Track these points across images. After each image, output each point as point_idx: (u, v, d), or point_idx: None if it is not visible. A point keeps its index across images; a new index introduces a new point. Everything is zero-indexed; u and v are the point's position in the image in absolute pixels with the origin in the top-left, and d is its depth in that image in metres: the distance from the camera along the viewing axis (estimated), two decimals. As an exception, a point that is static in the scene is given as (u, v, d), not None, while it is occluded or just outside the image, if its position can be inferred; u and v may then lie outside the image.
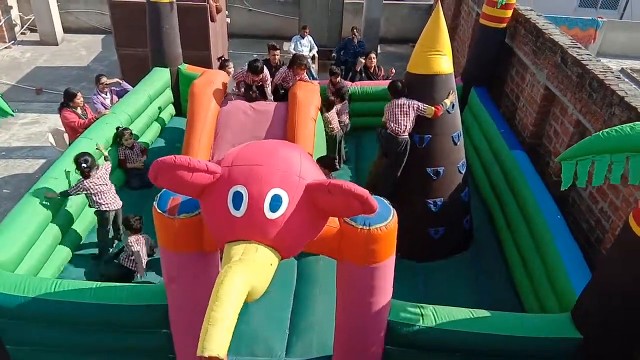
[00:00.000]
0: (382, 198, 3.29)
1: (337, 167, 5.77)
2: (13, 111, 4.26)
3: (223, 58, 7.69)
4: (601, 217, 4.84)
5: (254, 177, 2.59)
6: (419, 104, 5.09)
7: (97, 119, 6.44)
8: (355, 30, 9.99)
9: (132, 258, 5.04)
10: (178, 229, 3.13)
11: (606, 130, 3.02)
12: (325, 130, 6.79)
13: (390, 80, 6.37)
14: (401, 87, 5.26)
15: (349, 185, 2.58)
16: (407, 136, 5.21)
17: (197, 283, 3.41)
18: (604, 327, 3.60)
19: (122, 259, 5.11)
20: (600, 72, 5.07)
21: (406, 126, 5.15)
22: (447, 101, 5.13)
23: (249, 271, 2.42)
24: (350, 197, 2.58)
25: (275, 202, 2.57)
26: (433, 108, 5.06)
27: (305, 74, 6.50)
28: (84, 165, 5.11)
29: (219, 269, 3.50)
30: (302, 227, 2.69)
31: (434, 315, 3.79)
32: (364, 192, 2.58)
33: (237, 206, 2.57)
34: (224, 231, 2.65)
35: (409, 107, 5.12)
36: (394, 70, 8.48)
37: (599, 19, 12.88)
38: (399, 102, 5.18)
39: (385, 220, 3.14)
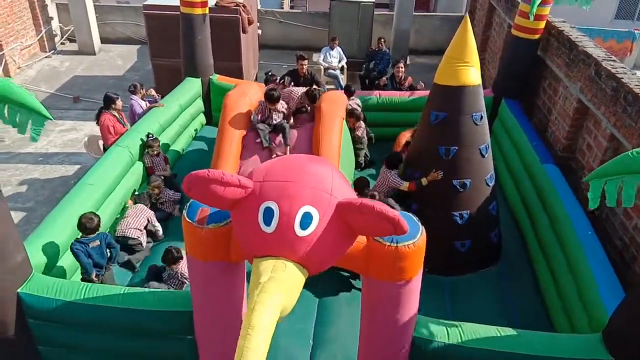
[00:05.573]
0: (411, 215, 3.27)
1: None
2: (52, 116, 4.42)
3: (270, 73, 7.94)
4: (635, 234, 4.70)
5: (285, 193, 2.58)
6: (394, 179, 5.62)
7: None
8: (382, 40, 10.37)
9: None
10: (206, 238, 3.17)
11: (636, 150, 2.94)
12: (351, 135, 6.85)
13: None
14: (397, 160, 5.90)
15: (380, 206, 2.53)
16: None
17: (222, 291, 3.44)
18: (637, 349, 3.47)
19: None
20: (636, 85, 4.94)
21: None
22: (424, 180, 5.28)
23: (280, 291, 2.40)
24: (382, 219, 2.54)
25: (306, 220, 2.56)
26: (407, 184, 5.47)
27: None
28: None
29: (244, 278, 3.56)
30: (331, 244, 2.67)
31: (460, 332, 3.72)
32: (396, 214, 2.54)
33: (267, 222, 2.57)
34: (254, 246, 2.66)
35: (386, 178, 5.68)
36: (422, 84, 8.42)
37: (635, 31, 12.56)
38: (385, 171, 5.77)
39: (414, 238, 3.10)
